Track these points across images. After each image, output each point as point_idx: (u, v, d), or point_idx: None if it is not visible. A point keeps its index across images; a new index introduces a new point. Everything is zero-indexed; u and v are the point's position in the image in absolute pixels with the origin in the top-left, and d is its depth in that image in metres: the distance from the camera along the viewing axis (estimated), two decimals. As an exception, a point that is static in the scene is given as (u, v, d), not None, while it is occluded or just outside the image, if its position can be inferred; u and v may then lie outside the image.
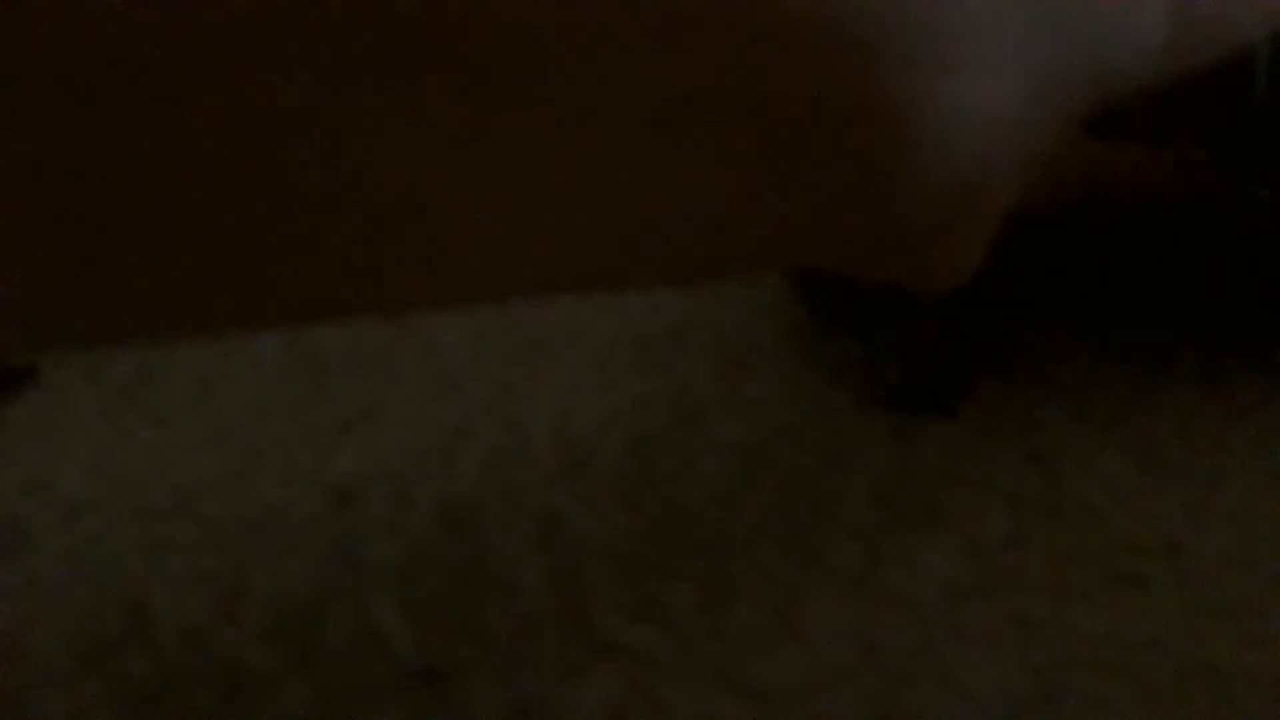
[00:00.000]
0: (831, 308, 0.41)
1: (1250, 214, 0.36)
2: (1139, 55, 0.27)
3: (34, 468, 0.33)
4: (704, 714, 0.25)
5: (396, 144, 0.19)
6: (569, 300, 0.42)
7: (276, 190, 0.18)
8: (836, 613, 0.28)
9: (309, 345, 0.38)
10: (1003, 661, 0.27)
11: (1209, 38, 0.28)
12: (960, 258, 0.25)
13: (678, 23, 0.20)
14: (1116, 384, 0.39)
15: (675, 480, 0.33)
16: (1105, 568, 0.30)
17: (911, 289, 0.25)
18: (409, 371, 0.37)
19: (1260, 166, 0.36)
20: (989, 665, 0.27)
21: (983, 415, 0.37)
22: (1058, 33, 0.25)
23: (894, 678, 0.26)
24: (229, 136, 0.17)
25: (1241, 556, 0.31)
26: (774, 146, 0.21)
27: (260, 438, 0.35)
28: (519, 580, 0.29)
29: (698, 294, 0.43)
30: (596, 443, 0.35)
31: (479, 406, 0.36)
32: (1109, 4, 0.26)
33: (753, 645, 0.27)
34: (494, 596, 0.28)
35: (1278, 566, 0.31)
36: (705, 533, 0.31)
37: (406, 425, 0.36)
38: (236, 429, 0.35)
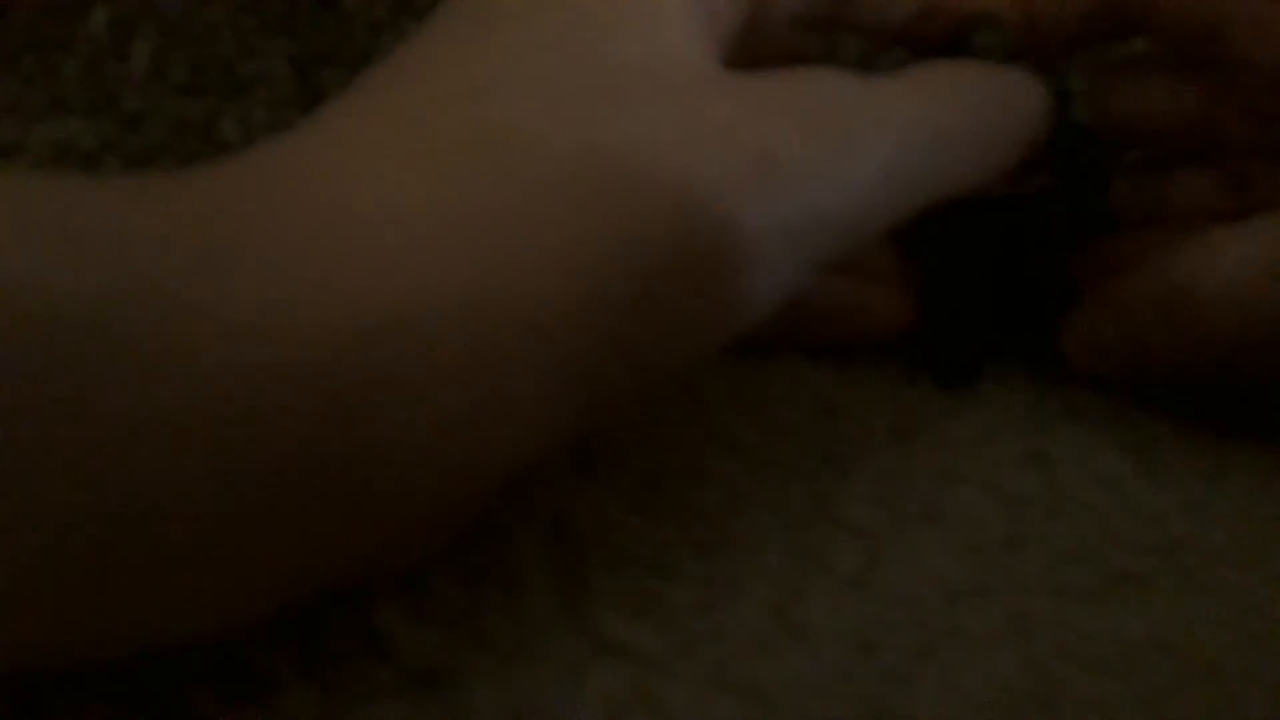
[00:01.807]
0: None
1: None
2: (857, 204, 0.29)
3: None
4: (704, 714, 0.25)
5: None
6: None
7: None
8: (836, 613, 0.28)
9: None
10: (1003, 661, 0.27)
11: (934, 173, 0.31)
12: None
13: None
14: (1115, 384, 0.39)
15: (676, 480, 0.33)
16: (1105, 568, 0.30)
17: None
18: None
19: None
20: (989, 665, 0.27)
21: (983, 415, 0.37)
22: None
23: (894, 678, 0.26)
24: None
25: (1241, 556, 0.31)
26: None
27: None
28: (519, 580, 0.29)
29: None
30: (598, 442, 0.35)
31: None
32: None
33: (753, 645, 0.27)
34: (494, 596, 0.28)
35: (1278, 566, 0.31)
36: (705, 533, 0.31)
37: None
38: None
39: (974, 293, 0.38)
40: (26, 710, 0.24)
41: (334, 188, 0.25)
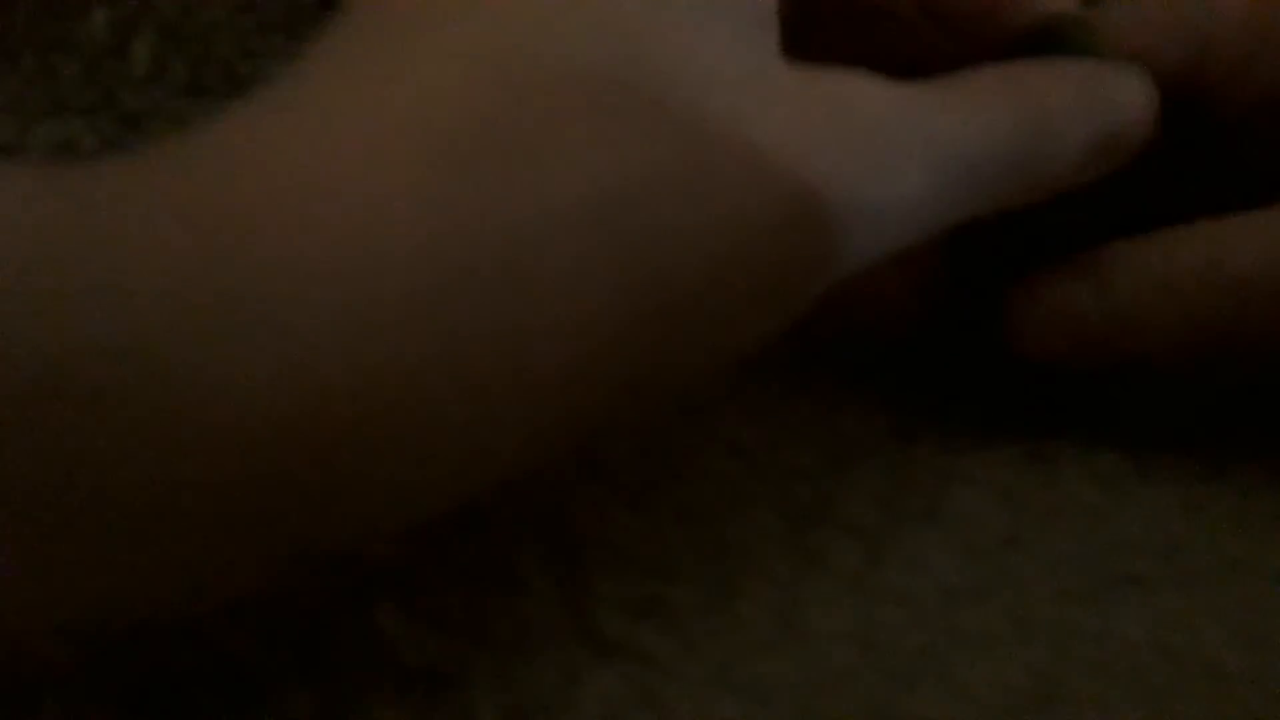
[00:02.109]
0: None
1: None
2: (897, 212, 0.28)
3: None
4: (704, 714, 0.25)
5: None
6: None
7: None
8: (836, 613, 0.28)
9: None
10: (1003, 661, 0.27)
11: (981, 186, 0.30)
12: None
13: None
14: (1116, 384, 0.39)
15: (676, 480, 0.33)
16: (1105, 568, 0.30)
17: None
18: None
19: None
20: (989, 665, 0.27)
21: (983, 415, 0.37)
22: None
23: (894, 678, 0.26)
24: None
25: (1241, 556, 0.31)
26: None
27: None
28: (519, 580, 0.29)
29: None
30: (597, 442, 0.35)
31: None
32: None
33: (753, 645, 0.27)
34: (494, 596, 0.28)
35: (1277, 566, 0.31)
36: (705, 533, 0.31)
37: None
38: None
39: (990, 286, 0.37)
40: (26, 710, 0.24)
41: (331, 187, 0.22)
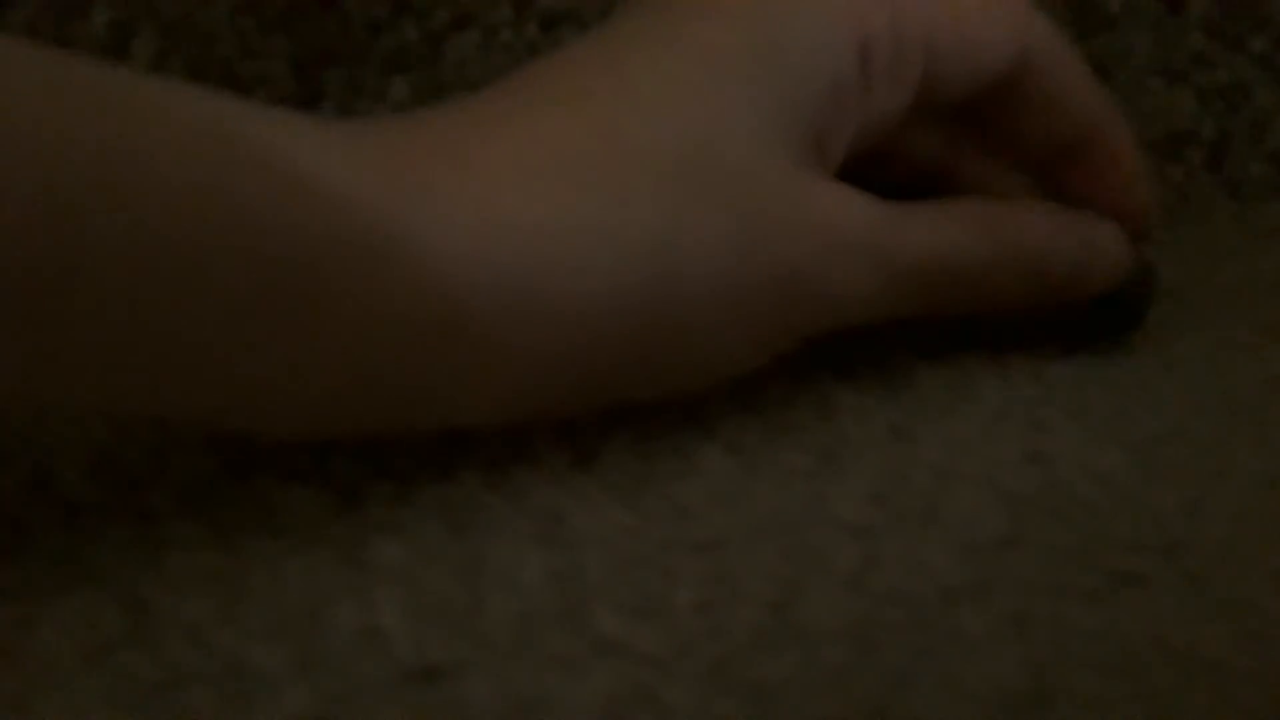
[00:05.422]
0: None
1: None
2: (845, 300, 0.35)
3: (33, 467, 0.33)
4: (704, 714, 0.25)
5: None
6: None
7: None
8: (836, 612, 0.28)
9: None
10: (1002, 661, 0.27)
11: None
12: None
13: None
14: (1116, 382, 0.39)
15: (676, 479, 0.33)
16: (1105, 568, 0.30)
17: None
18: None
19: None
20: (989, 665, 0.27)
21: (983, 415, 0.37)
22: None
23: (894, 678, 0.26)
24: None
25: (1241, 555, 0.31)
26: None
27: (260, 436, 0.35)
28: (519, 580, 0.29)
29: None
30: (597, 441, 0.35)
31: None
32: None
33: (752, 645, 0.27)
34: (494, 596, 0.28)
35: (1277, 565, 0.31)
36: (705, 532, 0.31)
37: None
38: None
39: None
40: (25, 710, 0.25)
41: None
